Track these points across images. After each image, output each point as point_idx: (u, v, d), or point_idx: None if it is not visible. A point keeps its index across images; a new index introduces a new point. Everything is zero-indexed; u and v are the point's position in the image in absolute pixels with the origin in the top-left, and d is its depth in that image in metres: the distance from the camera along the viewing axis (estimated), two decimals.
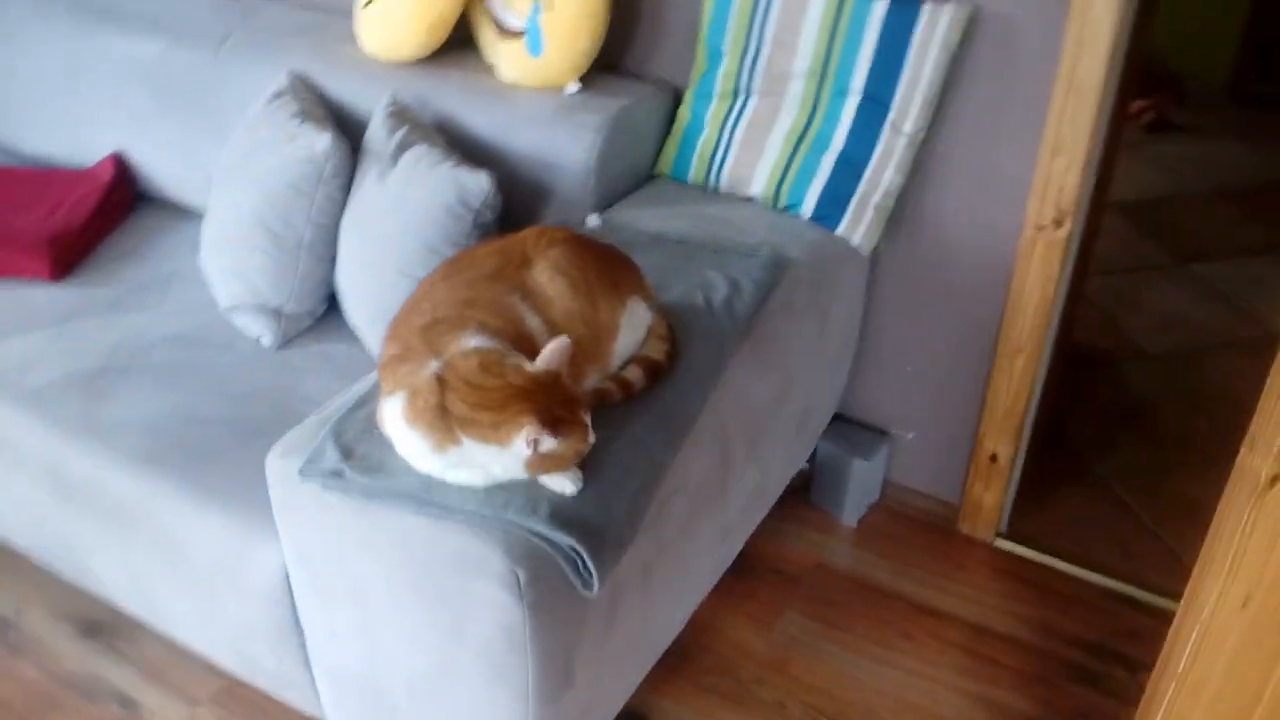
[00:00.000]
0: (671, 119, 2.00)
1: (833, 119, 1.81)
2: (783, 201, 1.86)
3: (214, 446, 1.65)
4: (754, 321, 1.61)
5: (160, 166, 2.35)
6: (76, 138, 2.44)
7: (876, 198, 1.82)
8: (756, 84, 1.86)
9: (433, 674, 1.37)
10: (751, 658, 1.90)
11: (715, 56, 1.89)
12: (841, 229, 1.83)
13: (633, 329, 1.43)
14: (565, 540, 1.22)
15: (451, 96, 1.98)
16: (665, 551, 1.49)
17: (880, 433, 2.18)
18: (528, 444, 1.19)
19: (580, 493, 1.27)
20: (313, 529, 1.38)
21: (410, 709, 1.45)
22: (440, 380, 1.23)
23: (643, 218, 1.84)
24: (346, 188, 1.88)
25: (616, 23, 2.03)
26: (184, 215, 2.32)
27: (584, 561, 1.23)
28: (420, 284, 1.41)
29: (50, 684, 1.84)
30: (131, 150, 2.38)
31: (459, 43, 2.13)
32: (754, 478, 1.75)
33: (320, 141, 1.84)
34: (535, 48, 1.92)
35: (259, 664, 1.63)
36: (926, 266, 1.96)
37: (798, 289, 1.72)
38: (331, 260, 1.91)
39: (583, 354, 1.36)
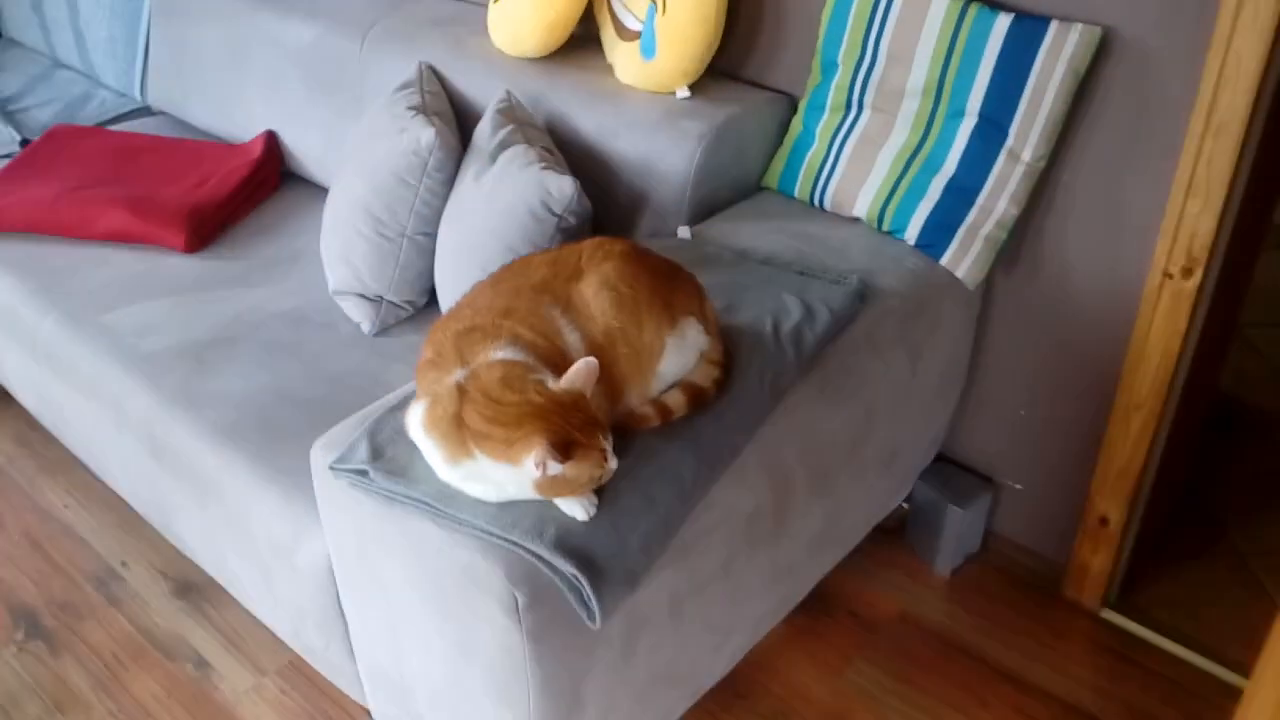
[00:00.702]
0: (785, 131, 1.91)
1: (946, 141, 1.69)
2: (887, 224, 1.75)
3: (292, 427, 1.70)
4: (824, 354, 1.52)
5: (306, 147, 2.45)
6: (237, 113, 2.58)
7: (987, 228, 1.68)
8: (869, 98, 1.76)
9: (447, 685, 1.37)
10: (811, 704, 1.81)
11: (829, 68, 1.80)
12: (946, 259, 1.71)
13: (681, 352, 1.37)
14: (567, 568, 1.18)
15: (564, 95, 1.96)
16: (702, 587, 1.43)
17: (985, 479, 2.03)
18: (536, 466, 1.16)
19: (593, 520, 1.23)
20: (346, 522, 1.39)
21: (431, 715, 1.45)
22: (460, 390, 1.21)
23: (735, 232, 1.77)
24: (450, 182, 1.90)
25: (738, 29, 1.97)
26: (323, 195, 2.40)
27: (586, 591, 1.19)
28: (474, 286, 1.40)
29: (137, 636, 1.95)
30: (283, 130, 2.48)
31: (586, 40, 2.11)
32: (822, 518, 1.66)
33: (425, 135, 1.86)
34: (649, 50, 1.88)
35: (312, 646, 1.67)
36: (1043, 306, 1.81)
37: (884, 321, 1.62)
38: (433, 253, 1.93)
39: (621, 374, 1.32)
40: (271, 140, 2.48)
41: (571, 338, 1.30)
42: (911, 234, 1.73)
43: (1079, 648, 1.90)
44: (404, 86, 2.05)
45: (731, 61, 2.01)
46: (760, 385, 1.43)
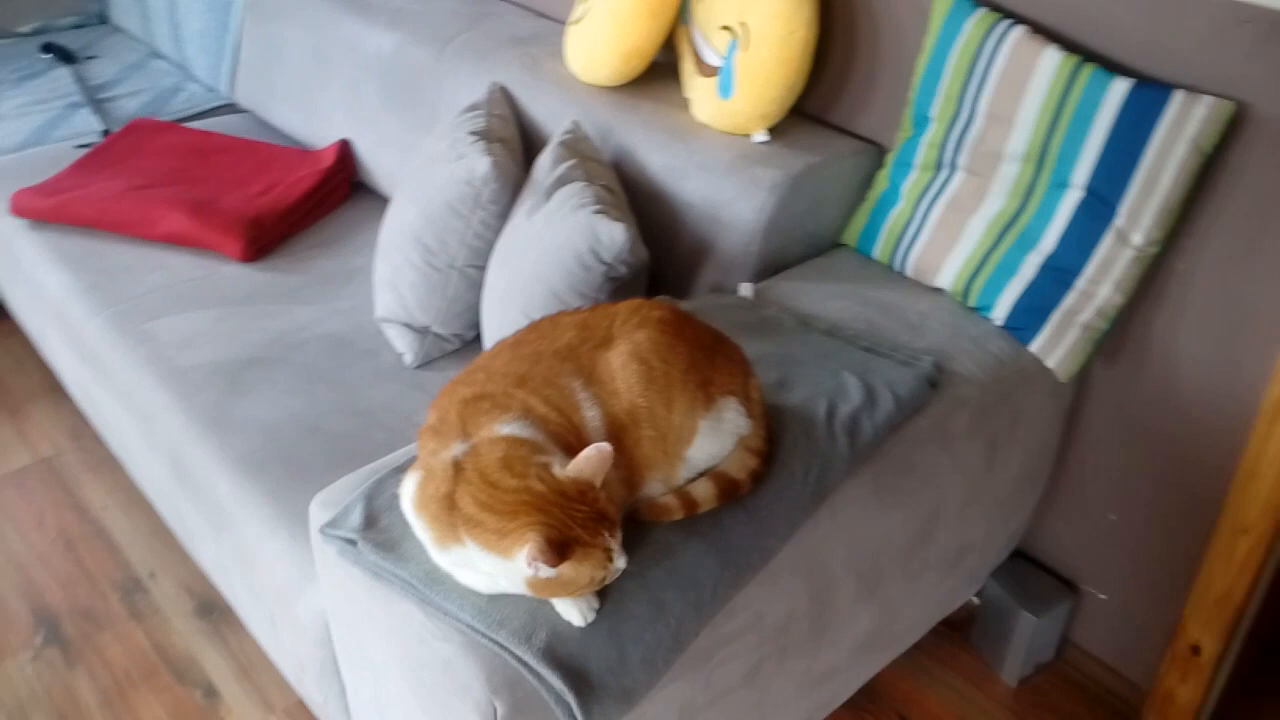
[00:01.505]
0: (870, 183, 1.75)
1: (1046, 213, 1.50)
2: (973, 299, 1.58)
3: (314, 463, 1.61)
4: (883, 446, 1.36)
5: (379, 159, 2.37)
6: (316, 119, 2.52)
7: (1085, 315, 1.50)
8: (963, 159, 1.58)
9: None
10: None
11: (922, 122, 1.63)
12: (1036, 345, 1.52)
13: (716, 436, 1.23)
14: (555, 681, 1.05)
15: (635, 130, 1.83)
16: (720, 698, 1.28)
17: (1067, 584, 1.83)
18: (529, 563, 1.03)
19: (591, 626, 1.09)
20: (339, 587, 1.28)
21: None
22: (457, 468, 1.09)
23: (803, 293, 1.62)
24: (505, 215, 1.79)
25: (828, 70, 1.81)
26: None
27: (574, 709, 1.06)
28: (496, 345, 1.28)
29: (152, 655, 1.89)
30: (358, 139, 2.42)
31: (668, 70, 1.98)
32: (872, 620, 1.50)
33: (481, 165, 1.75)
34: (725, 89, 1.73)
35: (312, 698, 1.57)
36: (1145, 405, 1.61)
37: (958, 413, 1.45)
38: (482, 287, 1.82)
39: (643, 458, 1.18)
40: (345, 149, 2.42)
41: (591, 414, 1.17)
42: (999, 313, 1.55)
43: None
44: (472, 108, 1.95)
45: (818, 104, 1.85)
46: (804, 481, 1.27)
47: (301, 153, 2.47)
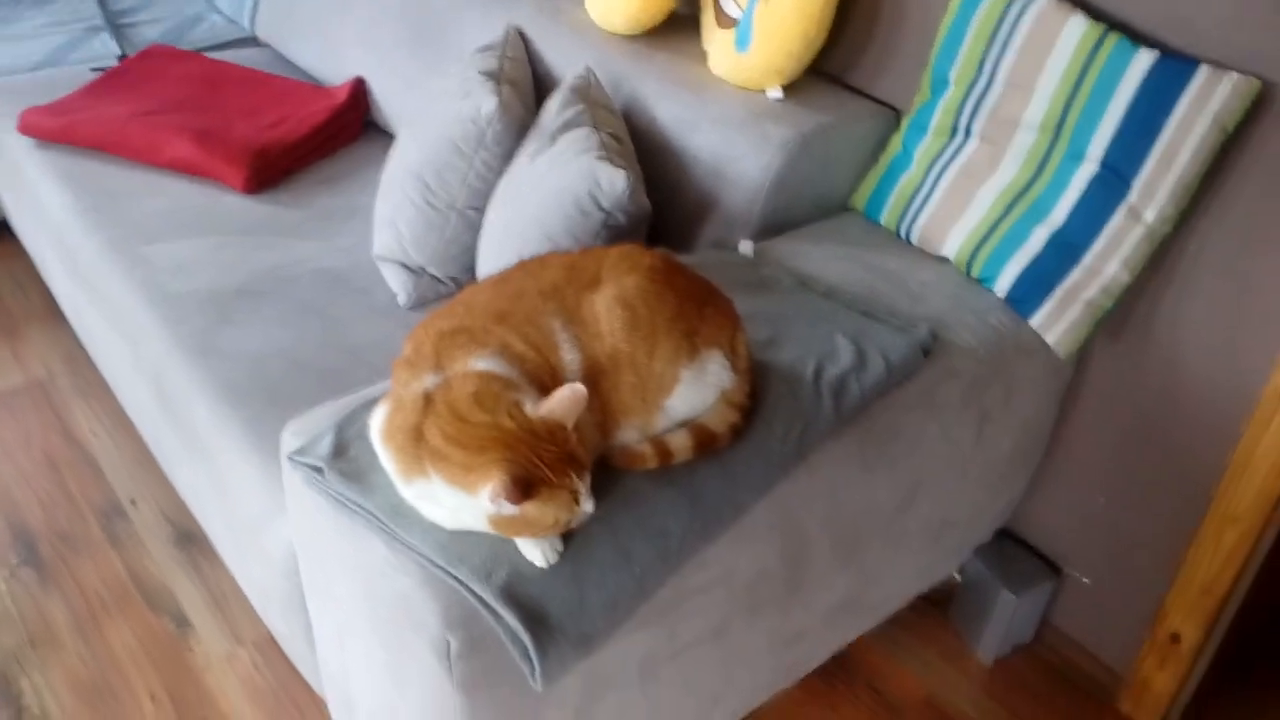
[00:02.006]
0: (884, 148, 1.71)
1: (1059, 186, 1.46)
2: (977, 270, 1.54)
3: (296, 396, 1.58)
4: (870, 410, 1.33)
5: (392, 99, 2.34)
6: (334, 56, 2.49)
7: (1090, 292, 1.46)
8: (979, 125, 1.54)
9: (384, 712, 1.23)
10: None
11: (940, 84, 1.58)
12: (1038, 320, 1.49)
13: (698, 387, 1.20)
14: (512, 619, 1.03)
15: (648, 79, 1.80)
16: (684, 650, 1.26)
17: (1050, 565, 1.80)
18: (492, 499, 1.01)
19: (553, 568, 1.07)
20: (306, 516, 1.27)
21: None
22: (427, 400, 1.07)
23: (803, 254, 1.58)
24: (509, 157, 1.76)
25: (849, 29, 1.77)
26: None
27: (529, 649, 1.04)
28: (481, 281, 1.25)
29: (127, 581, 1.88)
30: (373, 78, 2.38)
31: (689, 23, 1.94)
32: (848, 586, 1.47)
33: (487, 104, 1.72)
34: (743, 41, 1.69)
35: (277, 628, 1.56)
36: (1144, 387, 1.57)
37: (948, 382, 1.41)
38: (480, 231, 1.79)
39: (620, 404, 1.16)
40: (359, 88, 2.38)
41: (569, 356, 1.14)
42: (1002, 285, 1.51)
43: None
44: (485, 49, 1.92)
45: (838, 64, 1.81)
46: (784, 439, 1.24)
47: (315, 88, 2.44)
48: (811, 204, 1.70)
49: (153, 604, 1.85)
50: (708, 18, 1.83)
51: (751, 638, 1.36)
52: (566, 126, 1.65)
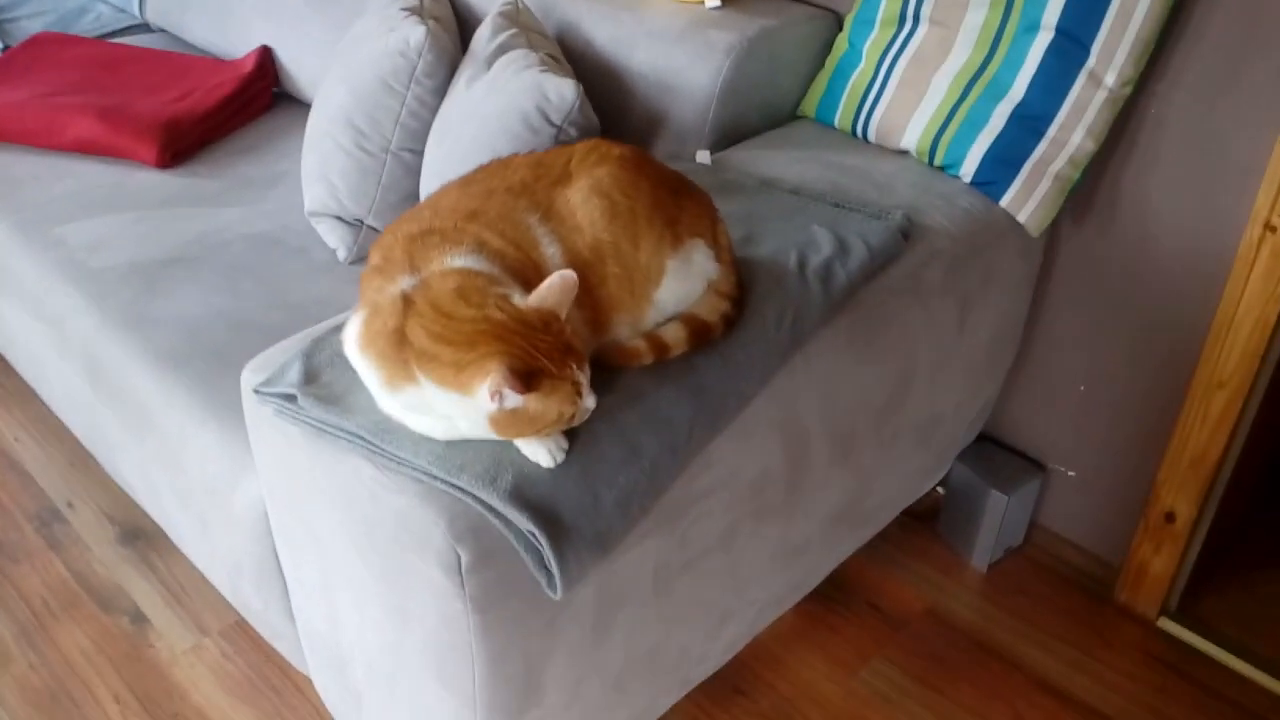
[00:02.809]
0: (829, 53, 1.67)
1: (1015, 61, 1.44)
2: (939, 158, 1.51)
3: (242, 356, 1.46)
4: (857, 297, 1.29)
5: (302, 65, 2.23)
6: (233, 29, 2.37)
7: (1058, 165, 1.44)
8: (926, 9, 1.51)
9: (384, 656, 1.15)
10: (820, 705, 1.58)
11: None
12: (1007, 199, 1.46)
13: (685, 278, 1.14)
14: (524, 522, 0.96)
15: (578, 3, 1.73)
16: (695, 561, 1.21)
17: (1033, 464, 1.78)
18: (491, 395, 0.94)
19: (560, 467, 1.00)
20: (277, 459, 1.18)
21: (369, 693, 1.24)
22: (406, 300, 0.99)
23: (762, 160, 1.54)
24: (441, 92, 1.68)
25: None
26: None
27: (545, 552, 0.97)
28: (441, 187, 1.18)
29: (74, 584, 1.76)
30: (279, 47, 2.27)
31: None
32: (846, 490, 1.43)
33: (415, 34, 1.63)
34: None
35: (251, 606, 1.46)
36: (1115, 262, 1.56)
37: (930, 265, 1.38)
38: (419, 173, 1.71)
39: (609, 298, 1.09)
40: (265, 56, 2.27)
41: (550, 250, 1.08)
42: (968, 170, 1.48)
43: (1130, 659, 1.65)
44: None
45: None
46: (778, 326, 1.19)
47: (218, 62, 2.32)
48: (761, 112, 1.66)
49: (104, 604, 1.72)
50: None
51: (757, 547, 1.31)
52: (501, 49, 1.58)
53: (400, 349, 0.98)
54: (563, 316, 0.99)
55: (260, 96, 2.24)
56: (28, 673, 1.61)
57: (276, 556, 1.33)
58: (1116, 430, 1.66)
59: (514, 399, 0.93)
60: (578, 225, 1.09)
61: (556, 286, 0.98)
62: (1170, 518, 1.61)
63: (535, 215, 1.09)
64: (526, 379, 0.93)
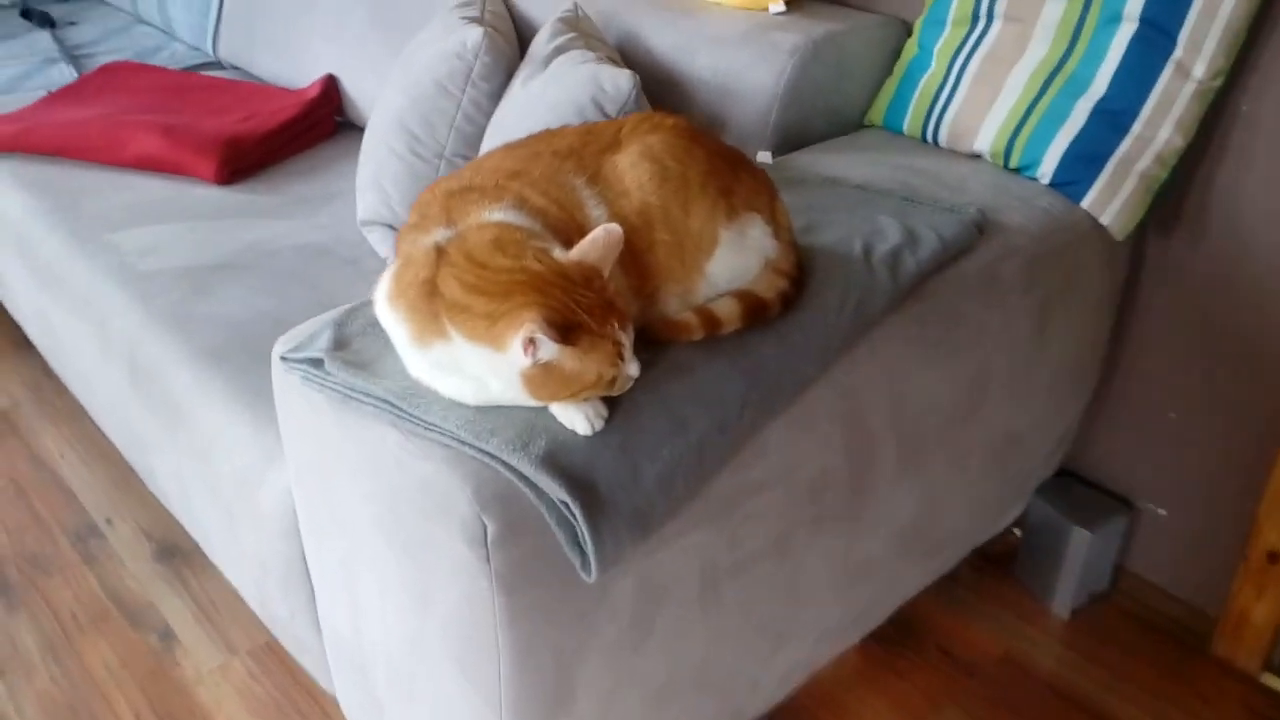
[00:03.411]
0: (896, 60, 1.61)
1: (1096, 54, 1.36)
2: (1015, 160, 1.43)
3: None
4: (928, 287, 1.20)
5: (365, 92, 2.23)
6: (302, 59, 2.39)
7: (1144, 162, 1.34)
8: (1001, 5, 1.44)
9: (404, 651, 1.06)
10: None
11: None
12: (1089, 200, 1.37)
13: (740, 251, 1.07)
14: (556, 490, 0.88)
15: (639, 12, 1.70)
16: (747, 564, 1.10)
17: (1120, 501, 1.65)
18: (525, 348, 0.86)
19: (598, 436, 0.92)
20: (304, 433, 1.11)
21: (391, 701, 1.14)
22: (440, 252, 0.93)
23: (825, 162, 1.47)
24: (497, 97, 1.64)
25: None
26: None
27: (579, 524, 0.88)
28: (486, 152, 1.12)
29: (104, 599, 1.70)
30: (345, 75, 2.28)
31: None
32: (914, 507, 1.32)
33: (472, 36, 1.61)
34: None
35: (278, 615, 1.38)
36: (1207, 277, 1.45)
37: (1007, 261, 1.28)
38: None
39: (657, 265, 1.02)
40: (330, 84, 2.28)
41: (595, 213, 1.01)
42: (1046, 170, 1.39)
43: (1228, 718, 1.49)
44: (464, 3, 1.81)
45: None
46: (841, 309, 1.11)
47: (284, 90, 2.33)
48: (826, 118, 1.59)
49: (134, 620, 1.66)
50: None
51: (817, 560, 1.20)
52: (559, 50, 1.54)
53: (431, 301, 0.91)
54: (606, 274, 0.92)
55: (323, 123, 2.24)
56: (49, 686, 1.55)
57: (303, 555, 1.25)
58: (1212, 463, 1.53)
59: (549, 349, 0.86)
60: (625, 190, 1.03)
61: (601, 241, 0.91)
62: (1274, 558, 1.46)
63: (581, 178, 1.02)
64: (564, 331, 0.86)
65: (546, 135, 1.10)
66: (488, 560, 0.89)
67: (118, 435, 1.73)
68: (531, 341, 0.86)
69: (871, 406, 1.17)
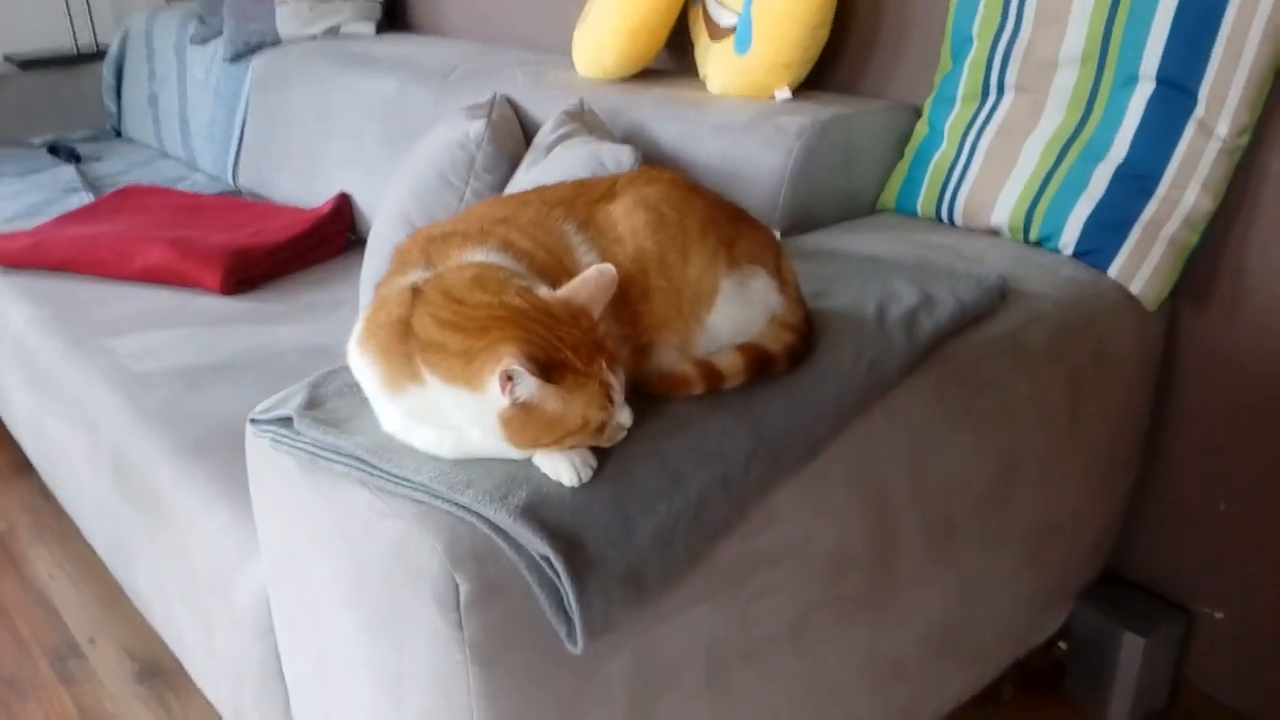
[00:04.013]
0: (907, 142, 1.57)
1: (1114, 117, 1.31)
2: (1034, 233, 1.36)
3: None
4: (948, 350, 1.11)
5: (377, 207, 2.22)
6: (317, 179, 2.40)
7: (1171, 226, 1.28)
8: (1011, 77, 1.41)
9: None
10: None
11: (962, 46, 1.46)
12: (1116, 268, 1.30)
13: (742, 303, 1.00)
14: (536, 544, 0.78)
15: (644, 107, 1.68)
16: (758, 650, 0.99)
17: (1172, 606, 1.51)
18: (502, 385, 0.79)
19: (586, 487, 0.83)
20: (276, 506, 1.03)
21: None
22: (415, 292, 0.86)
23: (835, 239, 1.41)
24: (501, 188, 1.62)
25: (851, 38, 1.68)
26: None
27: (562, 583, 0.78)
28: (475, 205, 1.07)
29: None
30: (358, 191, 2.29)
31: (676, 74, 1.86)
32: (946, 598, 1.20)
33: (474, 127, 1.59)
34: (743, 42, 1.59)
35: None
36: (1250, 347, 1.36)
37: (1033, 328, 1.20)
38: None
39: (652, 314, 0.95)
40: (343, 201, 2.28)
41: (586, 259, 0.95)
42: (1068, 240, 1.33)
43: None
44: (472, 108, 1.81)
45: (844, 76, 1.71)
46: (854, 368, 1.03)
47: (298, 209, 2.33)
48: (836, 204, 1.54)
49: None
50: (701, 42, 1.75)
51: (840, 652, 1.09)
52: (562, 139, 1.52)
53: (404, 342, 0.84)
54: (596, 316, 0.85)
55: (335, 238, 2.23)
56: None
57: (278, 657, 1.15)
58: (1270, 557, 1.40)
59: (528, 385, 0.78)
60: (619, 236, 0.97)
61: (593, 281, 0.85)
62: None
63: (572, 224, 0.97)
64: (545, 368, 0.79)
65: (538, 188, 1.05)
66: (460, 626, 0.79)
67: (104, 546, 1.65)
68: (509, 378, 0.78)
69: (891, 475, 1.07)
